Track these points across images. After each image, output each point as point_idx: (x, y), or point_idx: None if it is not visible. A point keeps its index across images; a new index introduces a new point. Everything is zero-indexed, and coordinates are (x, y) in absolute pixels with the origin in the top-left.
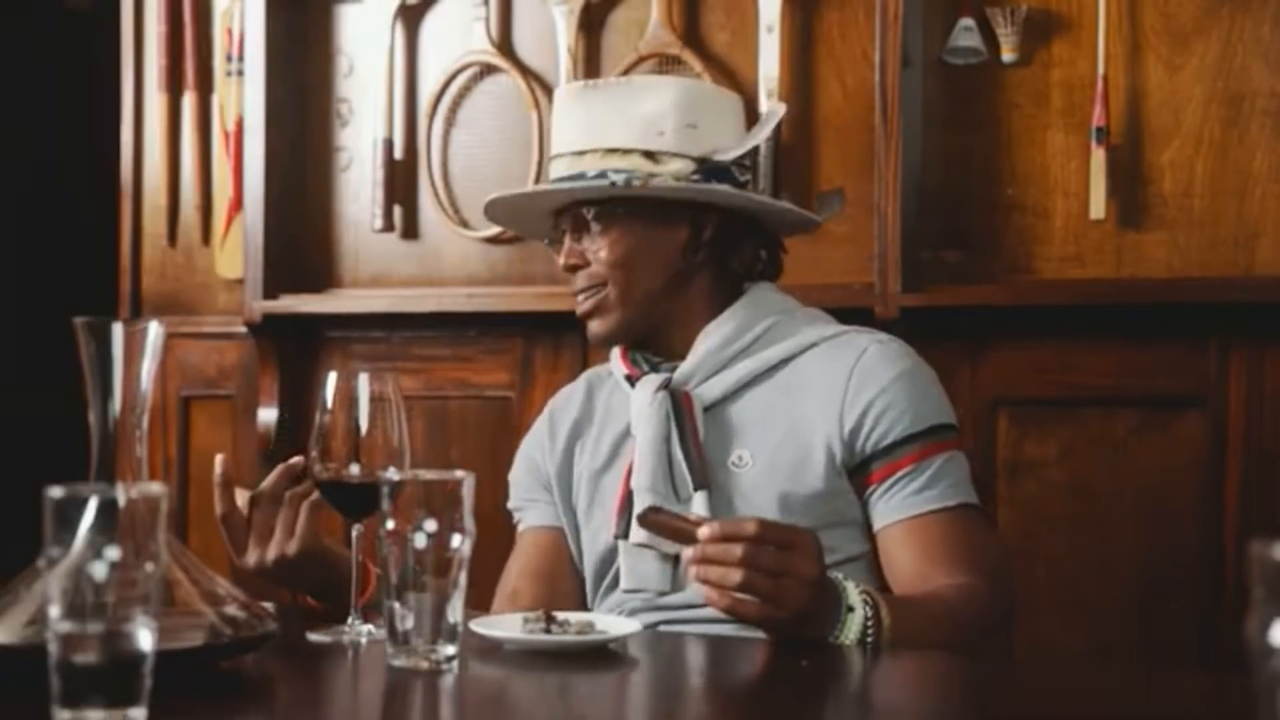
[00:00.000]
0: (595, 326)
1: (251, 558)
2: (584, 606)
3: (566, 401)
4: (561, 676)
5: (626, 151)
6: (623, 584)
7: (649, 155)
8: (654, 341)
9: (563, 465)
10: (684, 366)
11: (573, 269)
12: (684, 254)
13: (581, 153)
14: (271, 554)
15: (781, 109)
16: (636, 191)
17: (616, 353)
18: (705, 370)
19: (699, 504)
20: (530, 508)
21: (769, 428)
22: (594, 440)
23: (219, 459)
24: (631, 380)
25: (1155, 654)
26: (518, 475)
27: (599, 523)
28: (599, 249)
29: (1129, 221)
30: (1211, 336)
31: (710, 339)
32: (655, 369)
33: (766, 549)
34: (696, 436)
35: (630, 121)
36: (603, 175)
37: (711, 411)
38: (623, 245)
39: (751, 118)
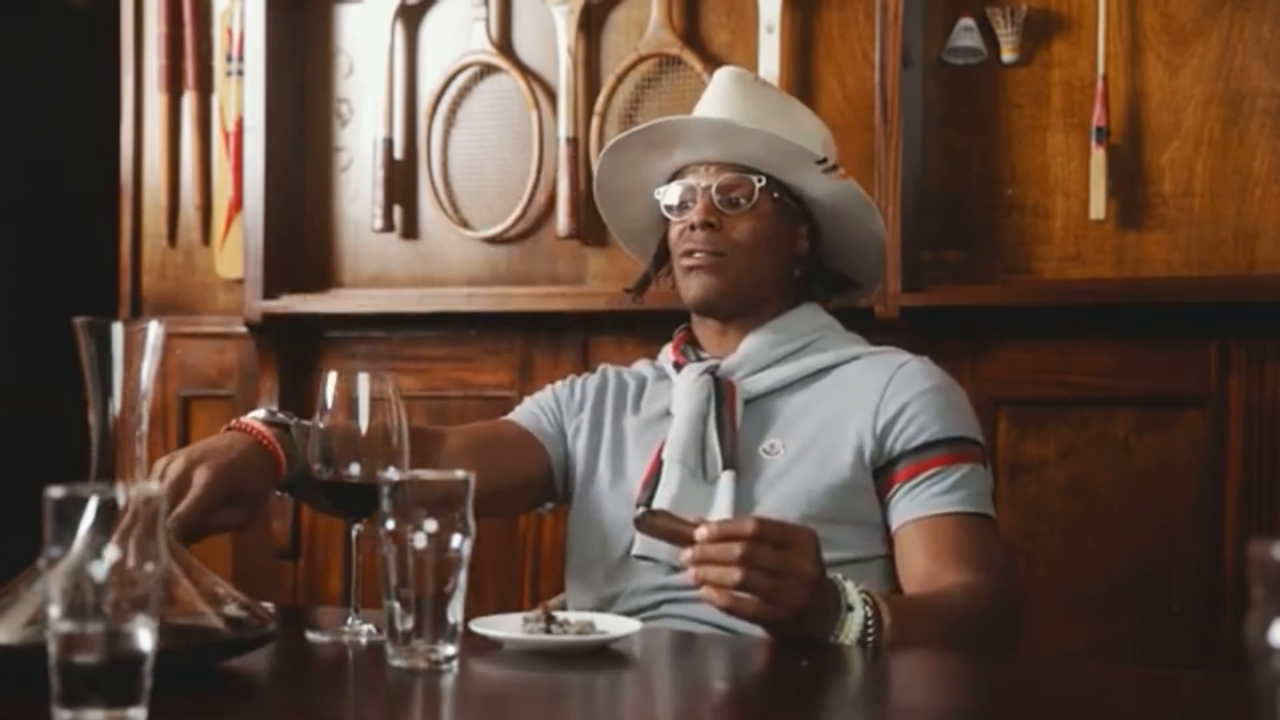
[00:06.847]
0: (706, 281)
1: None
2: (503, 500)
3: (600, 374)
4: (561, 676)
5: (800, 150)
6: (635, 549)
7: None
8: (721, 327)
9: (593, 416)
10: (731, 359)
11: (707, 226)
12: (800, 261)
13: (753, 131)
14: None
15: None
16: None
17: (669, 346)
18: (751, 365)
19: (725, 484)
20: (527, 413)
21: (804, 423)
22: (628, 413)
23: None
24: (678, 367)
25: (1155, 654)
26: (539, 395)
27: (622, 493)
28: (744, 222)
29: (1129, 221)
30: (1211, 336)
31: (759, 338)
32: (701, 361)
33: (765, 547)
34: (734, 421)
35: (795, 129)
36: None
37: (752, 405)
38: (765, 227)
39: None
